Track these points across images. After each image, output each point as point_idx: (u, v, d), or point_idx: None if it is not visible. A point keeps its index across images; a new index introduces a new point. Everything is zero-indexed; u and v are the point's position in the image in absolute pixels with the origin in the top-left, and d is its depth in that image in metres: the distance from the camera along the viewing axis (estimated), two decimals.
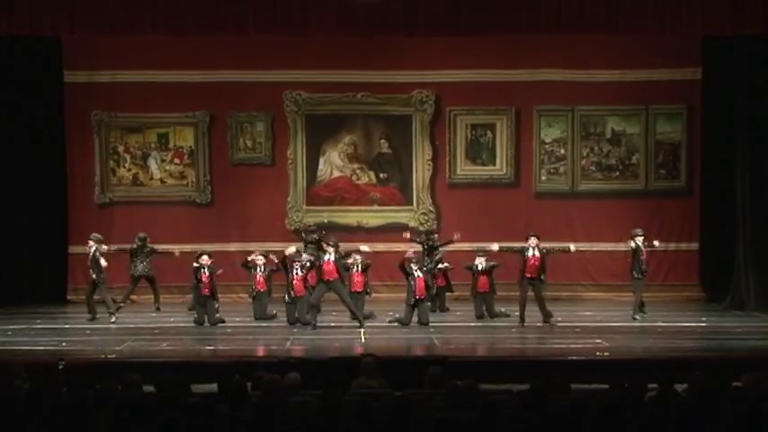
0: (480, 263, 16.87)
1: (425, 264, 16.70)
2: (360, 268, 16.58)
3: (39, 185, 19.14)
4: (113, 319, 16.53)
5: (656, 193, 19.81)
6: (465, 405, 7.96)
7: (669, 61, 19.46)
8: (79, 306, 18.03)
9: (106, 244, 17.11)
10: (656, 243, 17.12)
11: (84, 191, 19.63)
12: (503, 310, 16.86)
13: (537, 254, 15.93)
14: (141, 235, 17.42)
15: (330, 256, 15.70)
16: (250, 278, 16.96)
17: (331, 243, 15.92)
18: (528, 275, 15.90)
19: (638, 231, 16.65)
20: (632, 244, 16.56)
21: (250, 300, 17.08)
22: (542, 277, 16.01)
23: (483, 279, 16.86)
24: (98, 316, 16.96)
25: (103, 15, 15.65)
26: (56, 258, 19.37)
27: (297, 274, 16.35)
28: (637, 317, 16.53)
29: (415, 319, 16.07)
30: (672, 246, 19.71)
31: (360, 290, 16.68)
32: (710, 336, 15.37)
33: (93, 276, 16.67)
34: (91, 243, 16.81)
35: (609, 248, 19.41)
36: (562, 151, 19.97)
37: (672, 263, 19.72)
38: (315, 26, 16.02)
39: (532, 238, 16.06)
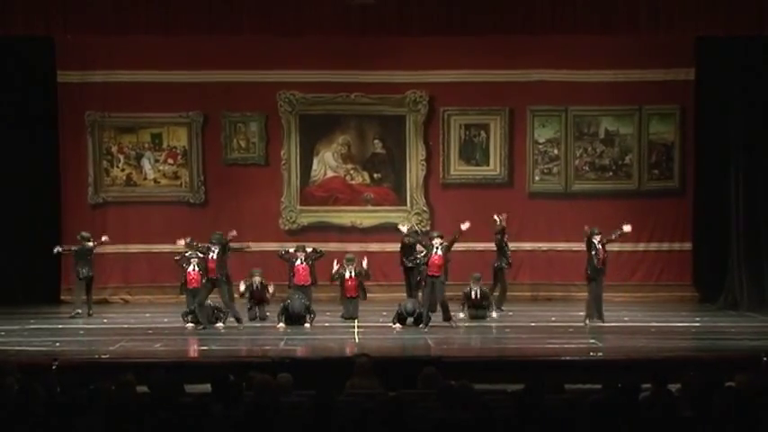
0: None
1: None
2: (353, 273, 16.67)
3: (32, 185, 19.10)
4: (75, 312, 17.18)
5: (650, 194, 19.81)
6: (459, 405, 7.97)
7: (662, 62, 19.47)
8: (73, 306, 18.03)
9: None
10: (625, 228, 16.37)
11: (78, 191, 19.59)
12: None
13: (440, 252, 15.74)
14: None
15: (213, 254, 15.84)
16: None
17: (214, 240, 16.00)
18: (430, 273, 15.71)
19: (596, 230, 16.21)
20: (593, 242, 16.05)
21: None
22: (442, 278, 15.74)
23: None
24: (91, 312, 17.31)
25: (97, 15, 15.65)
26: (49, 258, 19.29)
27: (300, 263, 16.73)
28: (587, 321, 16.11)
29: (410, 320, 16.10)
30: (665, 246, 19.76)
31: (354, 295, 16.74)
32: (704, 336, 15.40)
33: (84, 272, 17.18)
34: (86, 243, 17.28)
35: None
36: (555, 151, 19.98)
37: (665, 263, 19.75)
38: (309, 26, 16.04)
39: (437, 239, 15.86)
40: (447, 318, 15.71)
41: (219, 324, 16.04)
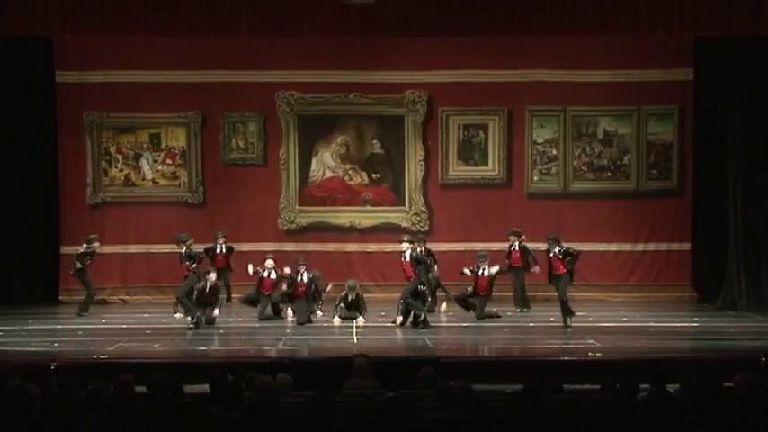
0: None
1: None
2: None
3: (31, 186, 19.10)
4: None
5: (648, 194, 19.81)
6: (458, 405, 7.97)
7: (661, 62, 19.47)
8: (71, 307, 18.03)
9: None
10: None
11: (77, 191, 19.58)
12: (494, 310, 16.96)
13: (407, 259, 16.07)
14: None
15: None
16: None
17: (182, 238, 16.70)
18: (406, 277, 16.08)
19: (551, 236, 16.49)
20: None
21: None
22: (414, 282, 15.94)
23: (483, 282, 16.98)
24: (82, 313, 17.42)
25: (95, 15, 15.62)
26: (48, 259, 19.33)
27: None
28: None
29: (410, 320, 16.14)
30: (663, 246, 19.76)
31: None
32: (702, 336, 15.40)
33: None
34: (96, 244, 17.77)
35: (601, 249, 19.50)
36: (554, 152, 19.98)
37: (663, 263, 19.75)
38: (307, 26, 16.01)
39: (406, 243, 16.27)
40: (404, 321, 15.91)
41: (216, 312, 16.10)
